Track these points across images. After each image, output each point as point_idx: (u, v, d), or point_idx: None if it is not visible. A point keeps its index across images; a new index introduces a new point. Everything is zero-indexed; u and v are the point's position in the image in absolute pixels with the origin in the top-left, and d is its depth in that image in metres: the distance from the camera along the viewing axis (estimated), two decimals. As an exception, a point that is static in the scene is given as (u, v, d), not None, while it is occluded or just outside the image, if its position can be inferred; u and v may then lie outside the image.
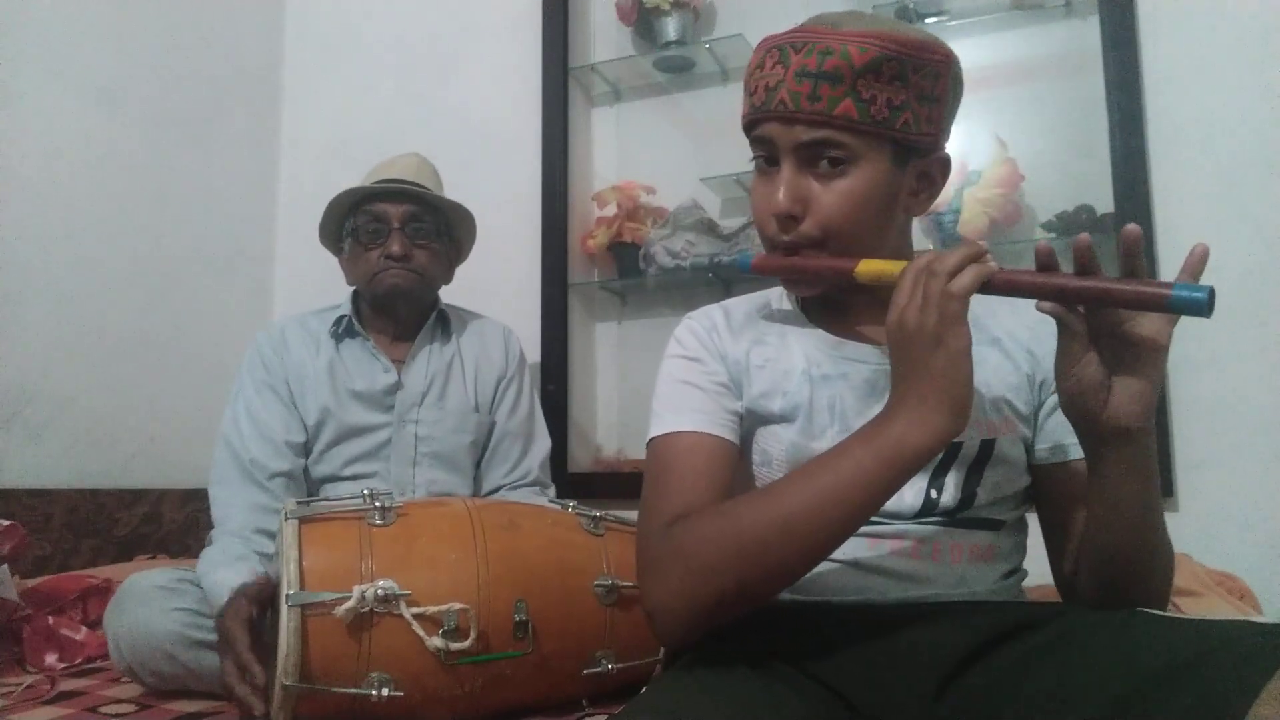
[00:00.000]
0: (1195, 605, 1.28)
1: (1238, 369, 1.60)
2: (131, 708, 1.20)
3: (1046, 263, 0.76)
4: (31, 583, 1.55)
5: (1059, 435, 0.92)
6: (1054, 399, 0.90)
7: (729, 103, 2.05)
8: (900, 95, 0.85)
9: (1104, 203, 1.71)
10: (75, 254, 1.92)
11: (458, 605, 1.05)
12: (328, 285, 1.78)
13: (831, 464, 0.78)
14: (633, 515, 1.15)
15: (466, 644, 1.04)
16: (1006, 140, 1.78)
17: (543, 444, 1.70)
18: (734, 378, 0.94)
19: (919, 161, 0.90)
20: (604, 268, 2.17)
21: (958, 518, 0.89)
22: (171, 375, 2.10)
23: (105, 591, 1.51)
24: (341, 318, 1.61)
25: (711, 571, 0.78)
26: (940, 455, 0.87)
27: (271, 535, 1.31)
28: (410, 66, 2.38)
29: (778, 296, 1.02)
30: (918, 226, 1.01)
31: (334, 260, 1.69)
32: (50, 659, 1.42)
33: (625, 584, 1.18)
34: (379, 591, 1.02)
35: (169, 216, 2.13)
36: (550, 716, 1.13)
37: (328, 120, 2.45)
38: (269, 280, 2.42)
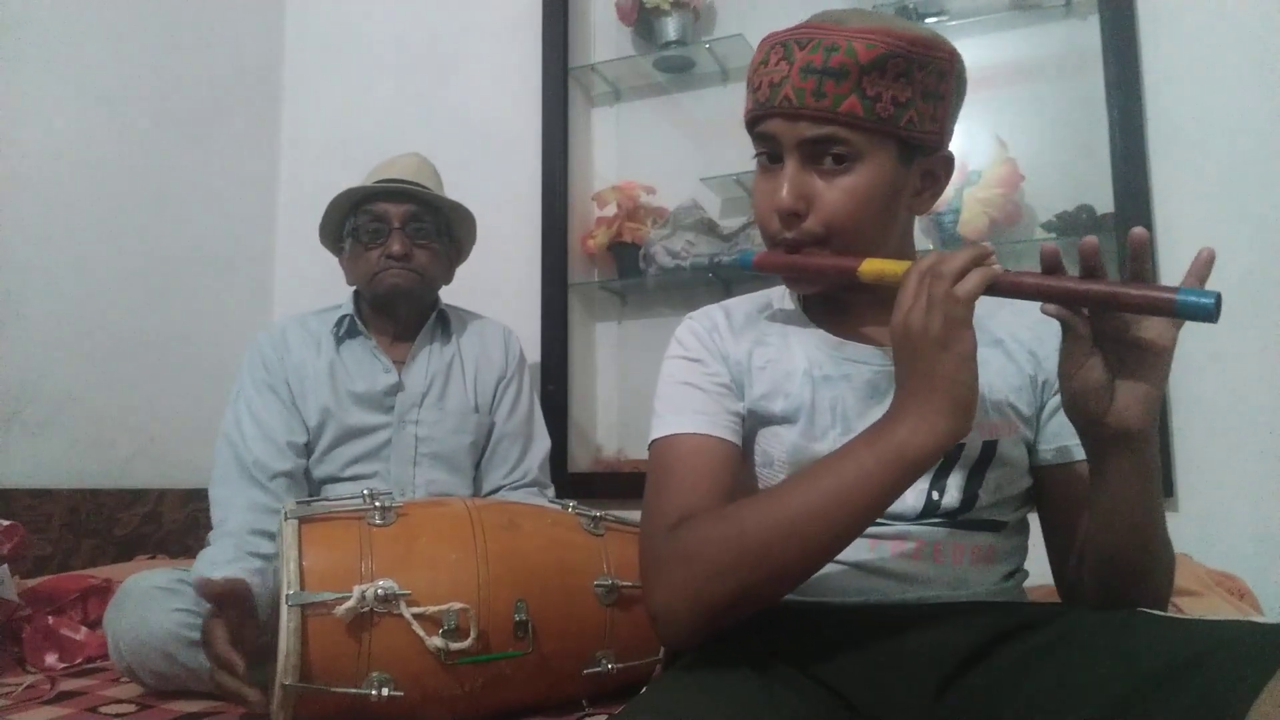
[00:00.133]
0: (1195, 605, 1.28)
1: (1238, 369, 1.60)
2: (131, 708, 1.20)
3: (1052, 265, 0.76)
4: (31, 583, 1.54)
5: (1061, 437, 0.91)
6: (1056, 400, 0.90)
7: (729, 103, 2.05)
8: (905, 93, 0.84)
9: (1104, 203, 1.71)
10: (75, 254, 1.92)
11: (458, 605, 1.05)
12: (328, 285, 1.78)
13: (835, 467, 0.78)
14: (633, 515, 1.15)
15: (466, 644, 1.04)
16: (1006, 140, 1.78)
17: (542, 444, 1.70)
18: (735, 378, 0.94)
19: (923, 159, 0.90)
20: (604, 268, 2.17)
21: (959, 519, 0.89)
22: (171, 375, 2.09)
23: (105, 591, 1.51)
24: (344, 317, 1.61)
25: (715, 574, 0.78)
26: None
27: (270, 536, 1.31)
28: (410, 66, 2.38)
29: (779, 296, 1.01)
30: (917, 226, 1.01)
31: (334, 260, 1.69)
32: (50, 659, 1.42)
33: (625, 584, 1.18)
34: (379, 591, 1.02)
35: (169, 217, 2.13)
36: (550, 716, 1.13)
37: (328, 120, 2.45)
38: (269, 280, 2.42)
